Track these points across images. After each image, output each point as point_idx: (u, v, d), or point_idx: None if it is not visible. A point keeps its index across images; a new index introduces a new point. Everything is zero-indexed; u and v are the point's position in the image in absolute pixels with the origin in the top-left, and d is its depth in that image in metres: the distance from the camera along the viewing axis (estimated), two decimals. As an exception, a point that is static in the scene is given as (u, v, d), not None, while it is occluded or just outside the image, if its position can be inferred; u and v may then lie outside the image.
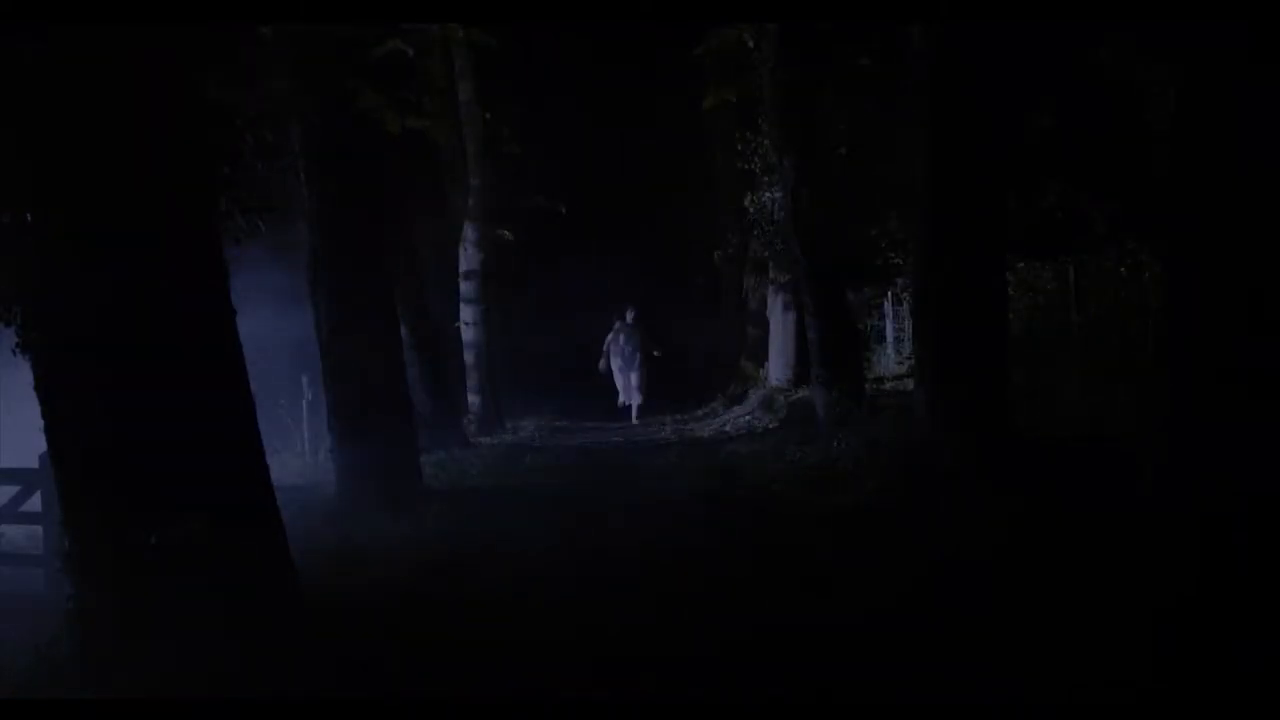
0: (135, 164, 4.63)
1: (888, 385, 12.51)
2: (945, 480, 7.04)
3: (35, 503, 7.61)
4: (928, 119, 7.51)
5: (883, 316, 14.95)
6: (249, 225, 7.38)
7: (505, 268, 15.30)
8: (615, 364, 15.45)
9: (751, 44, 11.77)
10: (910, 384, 10.56)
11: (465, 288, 14.29)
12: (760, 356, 15.38)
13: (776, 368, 14.58)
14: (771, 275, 14.57)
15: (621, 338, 15.38)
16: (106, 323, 4.63)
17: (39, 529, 7.68)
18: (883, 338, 14.89)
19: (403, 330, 10.51)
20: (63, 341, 4.71)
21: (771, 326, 14.82)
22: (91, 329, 4.64)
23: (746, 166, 13.65)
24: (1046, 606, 4.85)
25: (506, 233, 15.01)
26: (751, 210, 13.82)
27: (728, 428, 12.88)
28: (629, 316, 15.37)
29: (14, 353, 5.11)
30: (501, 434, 13.39)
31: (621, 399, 15.57)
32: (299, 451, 11.52)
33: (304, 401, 11.52)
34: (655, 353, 15.35)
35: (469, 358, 14.27)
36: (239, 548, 4.76)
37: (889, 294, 14.51)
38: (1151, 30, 8.22)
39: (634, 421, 14.88)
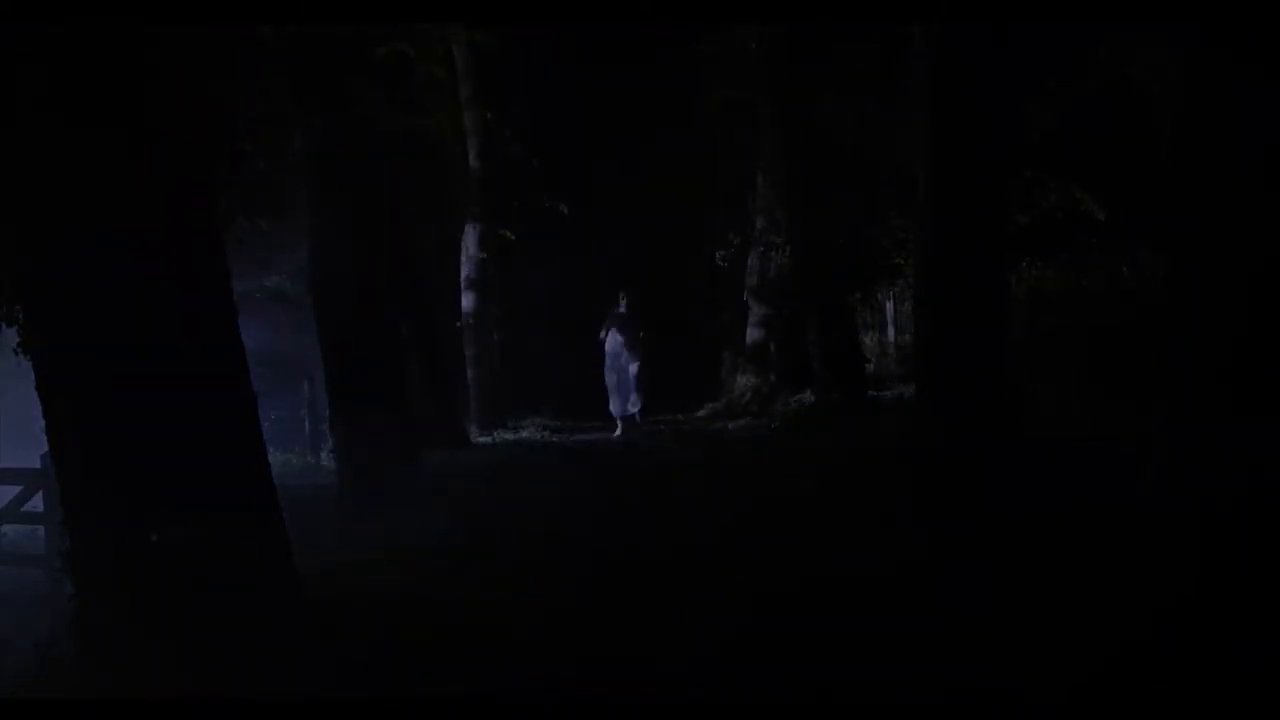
0: (136, 164, 4.63)
1: (888, 385, 12.52)
2: (945, 479, 7.04)
3: (36, 503, 7.64)
4: (928, 119, 7.51)
5: (884, 317, 14.95)
6: (250, 225, 7.40)
7: (506, 267, 15.29)
8: (608, 362, 13.86)
9: (752, 44, 11.79)
10: (911, 384, 10.57)
11: (465, 288, 14.30)
12: (761, 356, 15.37)
13: (777, 366, 14.58)
14: (773, 275, 14.57)
15: (615, 332, 13.73)
16: (107, 323, 4.64)
17: (40, 529, 7.71)
18: (884, 338, 14.89)
19: (403, 330, 10.51)
20: (63, 342, 4.72)
21: (773, 325, 14.81)
22: (92, 329, 4.65)
23: (747, 166, 13.66)
24: (1046, 606, 4.85)
25: (508, 233, 15.01)
26: (752, 210, 13.83)
27: (730, 427, 12.88)
28: (623, 305, 13.73)
29: (15, 353, 5.14)
30: (502, 434, 13.39)
31: (613, 406, 13.80)
32: (300, 451, 11.55)
33: (305, 401, 11.55)
34: (641, 334, 13.57)
35: (469, 358, 14.28)
36: (239, 547, 4.77)
37: (890, 294, 14.51)
38: (1152, 30, 8.22)
39: (619, 433, 13.53)
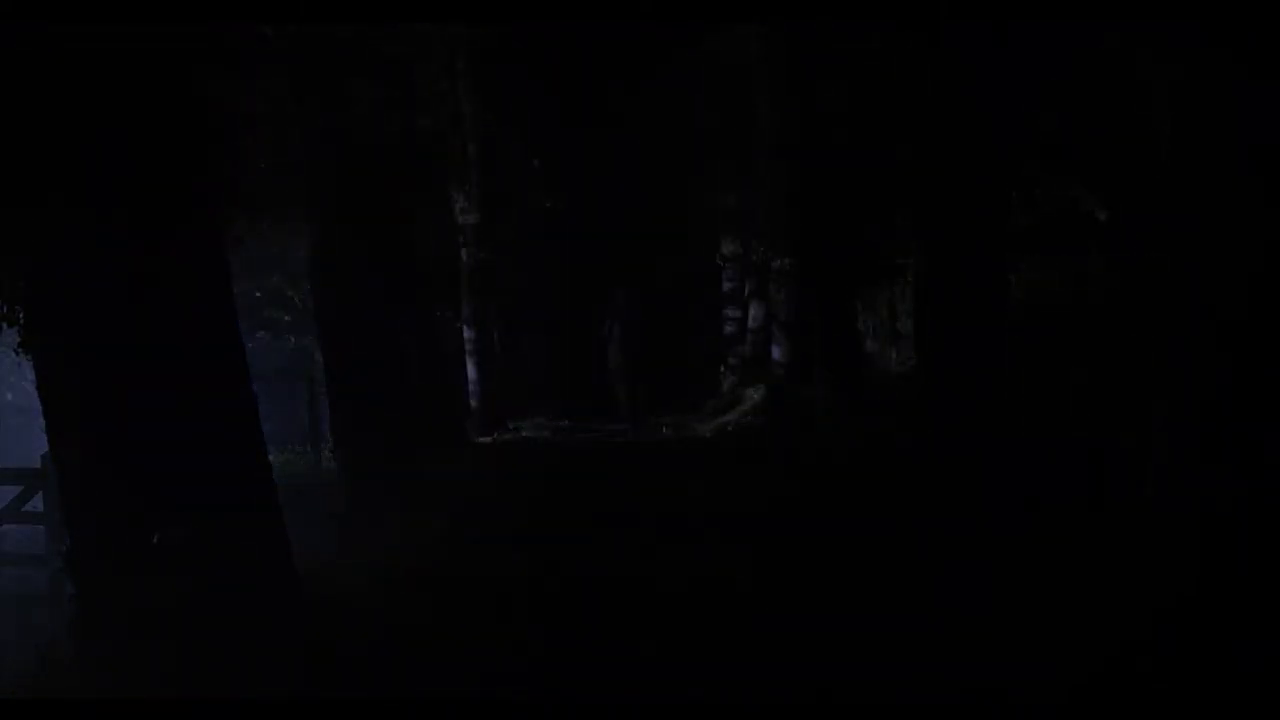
0: (136, 164, 4.63)
1: (888, 386, 12.49)
2: (944, 479, 7.04)
3: (37, 503, 7.64)
4: (928, 119, 7.51)
5: (884, 317, 14.93)
6: (250, 225, 7.40)
7: (506, 267, 15.26)
8: (612, 355, 14.04)
9: (752, 44, 11.77)
10: (911, 385, 10.56)
11: (466, 287, 14.29)
12: (762, 355, 15.35)
13: (778, 366, 14.55)
14: (773, 273, 14.55)
15: (617, 327, 13.82)
16: (107, 323, 4.64)
17: (40, 529, 7.71)
18: (884, 338, 14.87)
19: (403, 330, 10.50)
20: (64, 341, 4.72)
21: (774, 324, 14.80)
22: (92, 329, 4.65)
23: (746, 166, 13.64)
24: (1046, 606, 4.85)
25: (508, 232, 14.99)
26: (752, 211, 13.80)
27: (729, 426, 12.87)
28: (622, 299, 13.81)
29: (16, 353, 5.14)
30: (502, 434, 13.38)
31: (625, 397, 14.04)
32: (300, 451, 11.54)
33: (305, 401, 11.54)
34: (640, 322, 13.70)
35: (469, 357, 14.26)
36: (239, 547, 4.77)
37: (890, 293, 14.49)
38: (1152, 30, 8.20)
39: (633, 427, 13.60)
